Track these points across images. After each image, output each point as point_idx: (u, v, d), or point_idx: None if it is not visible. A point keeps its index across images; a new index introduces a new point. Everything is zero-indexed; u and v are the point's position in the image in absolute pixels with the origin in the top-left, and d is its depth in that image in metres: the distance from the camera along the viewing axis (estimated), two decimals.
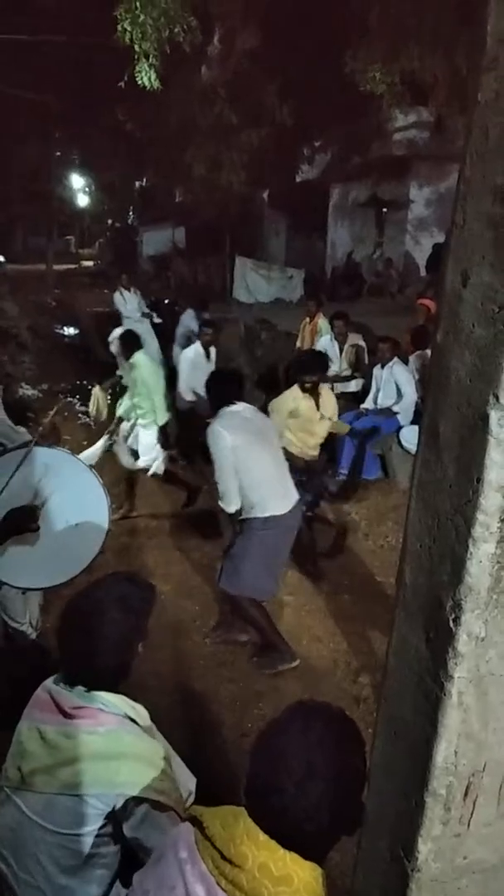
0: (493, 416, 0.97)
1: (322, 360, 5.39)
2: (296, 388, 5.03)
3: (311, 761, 1.22)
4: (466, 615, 1.07)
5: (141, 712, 1.69)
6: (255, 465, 3.56)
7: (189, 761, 2.14)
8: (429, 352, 6.46)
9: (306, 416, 5.04)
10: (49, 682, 1.69)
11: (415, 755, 1.22)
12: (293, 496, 3.72)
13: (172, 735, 2.20)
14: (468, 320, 1.01)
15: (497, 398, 0.96)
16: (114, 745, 1.55)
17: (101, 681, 1.64)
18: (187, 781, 2.13)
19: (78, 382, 10.48)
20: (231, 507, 3.61)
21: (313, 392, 5.03)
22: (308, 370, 5.01)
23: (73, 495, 2.69)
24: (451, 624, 1.09)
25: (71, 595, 1.80)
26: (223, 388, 3.77)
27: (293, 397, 5.03)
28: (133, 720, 1.64)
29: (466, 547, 1.04)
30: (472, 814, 1.23)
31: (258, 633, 3.80)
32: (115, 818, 1.52)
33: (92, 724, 1.57)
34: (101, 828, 1.52)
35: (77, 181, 27.08)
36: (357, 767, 1.29)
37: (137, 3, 7.50)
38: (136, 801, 1.52)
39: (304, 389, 5.00)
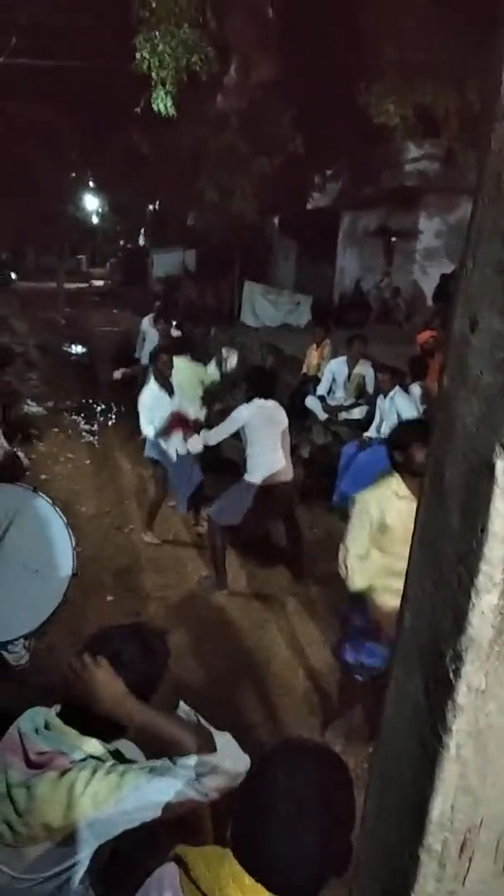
0: (500, 465, 0.95)
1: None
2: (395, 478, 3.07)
3: (300, 803, 1.19)
4: (467, 667, 1.04)
5: (127, 749, 1.62)
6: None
7: None
8: (428, 382, 6.49)
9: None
10: (23, 723, 1.61)
11: (409, 808, 1.18)
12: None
13: None
14: (476, 367, 1.00)
15: (503, 447, 0.94)
16: (65, 787, 1.47)
17: (103, 727, 1.58)
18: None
19: (84, 401, 10.52)
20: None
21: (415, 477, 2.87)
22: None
23: (34, 538, 2.55)
24: (451, 675, 1.06)
25: (70, 631, 1.74)
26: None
27: (393, 492, 3.05)
28: (97, 757, 1.56)
29: (469, 597, 1.01)
30: (467, 871, 1.19)
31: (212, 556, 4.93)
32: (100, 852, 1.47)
33: (49, 771, 1.51)
34: (69, 867, 1.47)
35: (90, 202, 27.42)
36: (346, 808, 1.26)
37: (156, 33, 7.64)
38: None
39: (411, 472, 2.94)
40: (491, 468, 0.96)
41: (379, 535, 3.06)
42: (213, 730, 1.61)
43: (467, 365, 1.02)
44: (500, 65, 0.97)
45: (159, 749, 1.59)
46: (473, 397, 1.00)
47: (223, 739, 1.58)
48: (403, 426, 3.42)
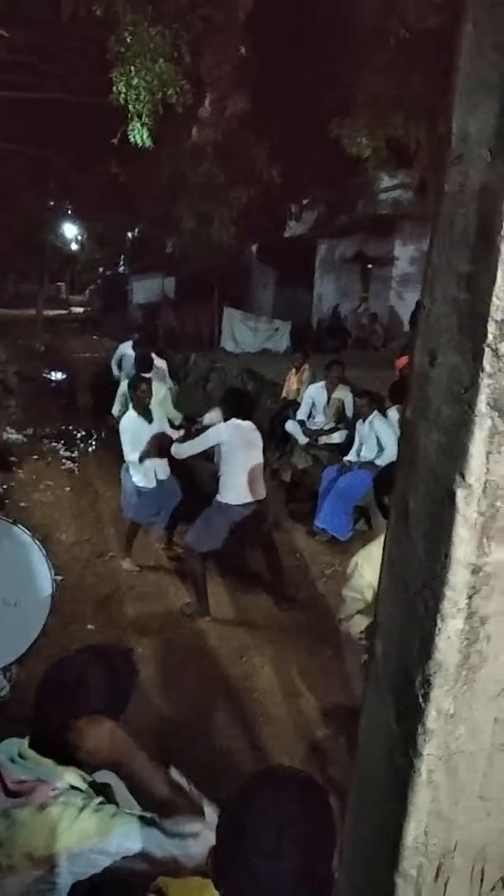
0: (460, 494, 0.99)
1: None
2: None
3: (280, 833, 1.19)
4: (436, 691, 1.07)
5: (106, 778, 1.62)
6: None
7: None
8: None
9: None
10: None
11: (384, 834, 1.20)
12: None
13: None
14: (436, 399, 1.04)
15: (463, 477, 0.98)
16: (49, 817, 1.47)
17: (72, 756, 1.58)
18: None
19: (63, 428, 10.48)
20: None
21: None
22: None
23: (12, 571, 2.53)
24: (421, 700, 1.08)
25: (53, 661, 1.73)
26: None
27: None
28: (79, 789, 1.56)
29: (435, 623, 1.04)
30: None
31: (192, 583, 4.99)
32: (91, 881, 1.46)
33: (29, 799, 1.50)
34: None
35: (70, 230, 27.60)
36: (327, 837, 1.26)
37: (132, 67, 7.78)
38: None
39: None
40: (452, 497, 0.99)
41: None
42: (204, 798, 1.61)
43: (428, 398, 1.06)
44: (450, 113, 1.02)
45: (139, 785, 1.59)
46: (434, 429, 1.04)
47: (212, 809, 1.59)
48: (392, 469, 3.34)
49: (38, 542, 2.67)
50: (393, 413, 6.59)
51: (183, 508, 5.66)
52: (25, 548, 2.63)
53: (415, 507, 1.10)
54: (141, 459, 5.45)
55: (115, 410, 7.41)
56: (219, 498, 4.81)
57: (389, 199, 15.27)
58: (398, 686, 1.15)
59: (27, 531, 2.70)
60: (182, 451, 5.02)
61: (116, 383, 9.72)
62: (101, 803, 1.53)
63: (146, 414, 5.62)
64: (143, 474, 5.52)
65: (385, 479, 3.17)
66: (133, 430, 5.52)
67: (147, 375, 6.66)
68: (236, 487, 4.76)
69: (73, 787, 1.55)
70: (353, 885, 1.34)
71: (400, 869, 1.17)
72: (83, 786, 1.58)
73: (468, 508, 0.99)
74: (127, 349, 9.50)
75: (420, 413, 1.08)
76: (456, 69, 0.99)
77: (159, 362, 8.62)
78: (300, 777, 1.33)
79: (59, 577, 2.81)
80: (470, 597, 1.03)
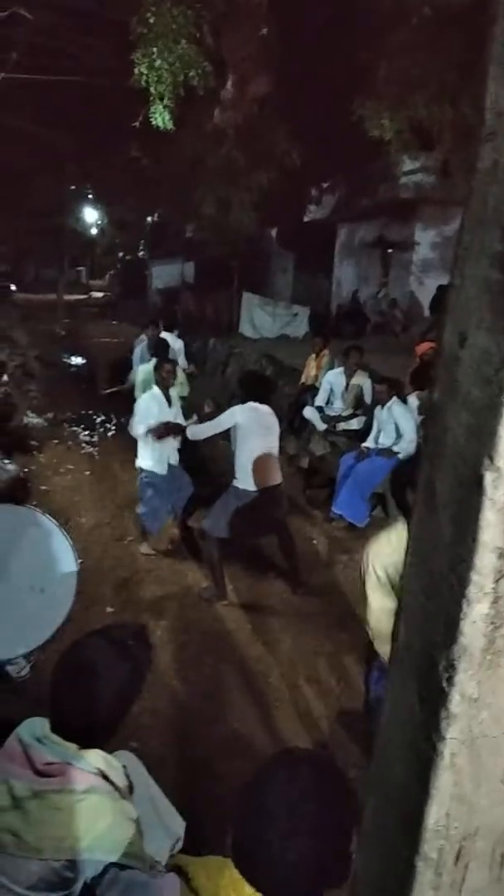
0: (488, 477, 0.97)
1: None
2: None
3: (298, 813, 1.20)
4: (460, 675, 1.06)
5: (116, 766, 1.60)
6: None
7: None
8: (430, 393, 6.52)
9: None
10: (23, 732, 1.59)
11: (405, 817, 1.20)
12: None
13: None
14: (465, 381, 1.02)
15: (492, 460, 0.97)
16: (85, 809, 1.46)
17: (93, 737, 1.58)
18: (177, 827, 2.08)
19: (83, 412, 10.54)
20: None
21: None
22: None
23: (39, 558, 2.55)
24: (445, 684, 1.08)
25: (70, 642, 1.72)
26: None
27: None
28: (107, 778, 1.55)
29: (460, 607, 1.03)
30: (463, 879, 1.20)
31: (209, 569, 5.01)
32: (88, 887, 1.45)
33: (64, 783, 1.49)
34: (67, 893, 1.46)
35: (90, 215, 27.64)
36: (345, 818, 1.27)
37: (154, 49, 7.73)
38: (114, 869, 1.44)
39: None
40: (480, 480, 0.98)
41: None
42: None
43: (457, 380, 1.04)
44: (484, 90, 1.00)
45: None
46: (463, 411, 1.02)
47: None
48: (407, 464, 3.27)
49: (62, 530, 2.69)
50: (413, 399, 6.54)
51: (200, 495, 5.65)
52: (51, 535, 2.65)
53: (441, 490, 1.09)
54: (147, 433, 5.37)
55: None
56: (235, 483, 4.81)
57: (411, 183, 15.05)
58: (422, 670, 1.14)
59: (52, 519, 2.72)
60: (198, 432, 4.99)
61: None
62: (138, 832, 1.52)
63: (167, 396, 5.59)
64: (157, 459, 5.49)
65: (400, 475, 3.13)
66: (149, 408, 5.45)
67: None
68: (251, 472, 4.75)
69: (105, 779, 1.54)
70: (372, 867, 1.35)
71: (420, 852, 1.17)
72: (116, 776, 1.57)
73: (496, 492, 0.98)
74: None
75: (448, 395, 1.07)
76: (491, 39, 0.97)
77: (177, 342, 8.61)
78: (316, 759, 1.34)
79: (79, 561, 2.84)
80: (496, 581, 1.02)
